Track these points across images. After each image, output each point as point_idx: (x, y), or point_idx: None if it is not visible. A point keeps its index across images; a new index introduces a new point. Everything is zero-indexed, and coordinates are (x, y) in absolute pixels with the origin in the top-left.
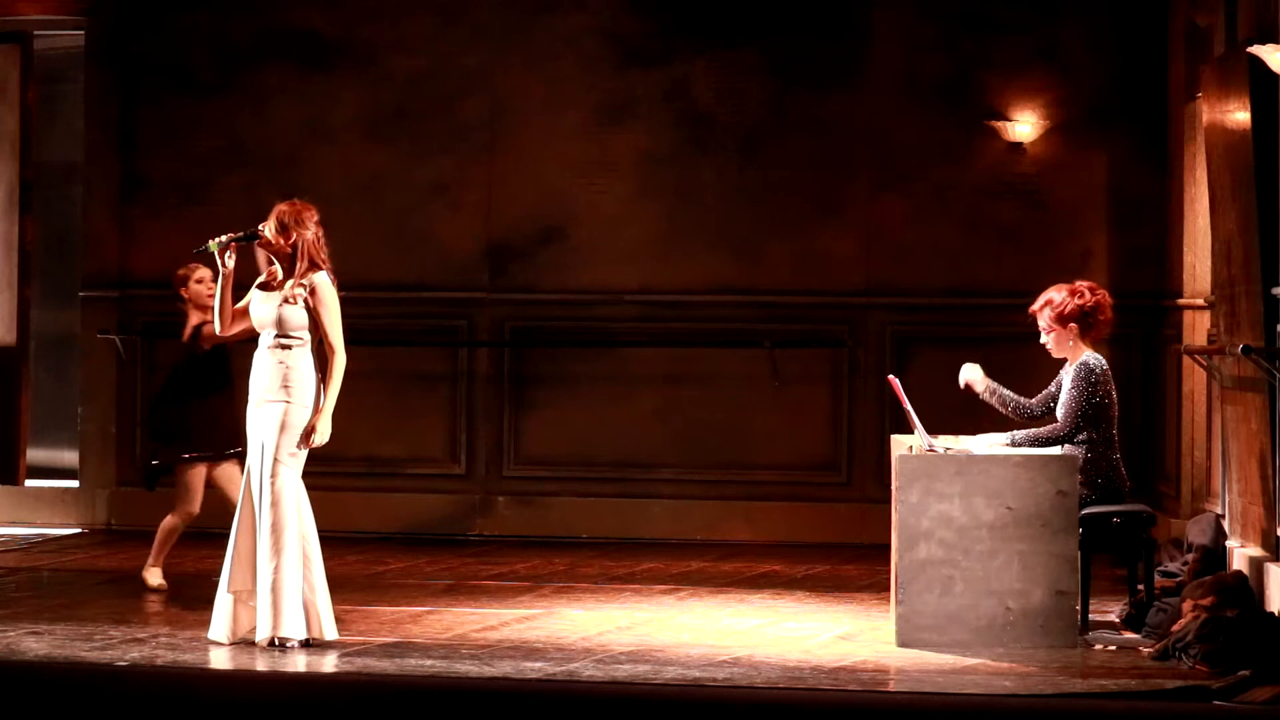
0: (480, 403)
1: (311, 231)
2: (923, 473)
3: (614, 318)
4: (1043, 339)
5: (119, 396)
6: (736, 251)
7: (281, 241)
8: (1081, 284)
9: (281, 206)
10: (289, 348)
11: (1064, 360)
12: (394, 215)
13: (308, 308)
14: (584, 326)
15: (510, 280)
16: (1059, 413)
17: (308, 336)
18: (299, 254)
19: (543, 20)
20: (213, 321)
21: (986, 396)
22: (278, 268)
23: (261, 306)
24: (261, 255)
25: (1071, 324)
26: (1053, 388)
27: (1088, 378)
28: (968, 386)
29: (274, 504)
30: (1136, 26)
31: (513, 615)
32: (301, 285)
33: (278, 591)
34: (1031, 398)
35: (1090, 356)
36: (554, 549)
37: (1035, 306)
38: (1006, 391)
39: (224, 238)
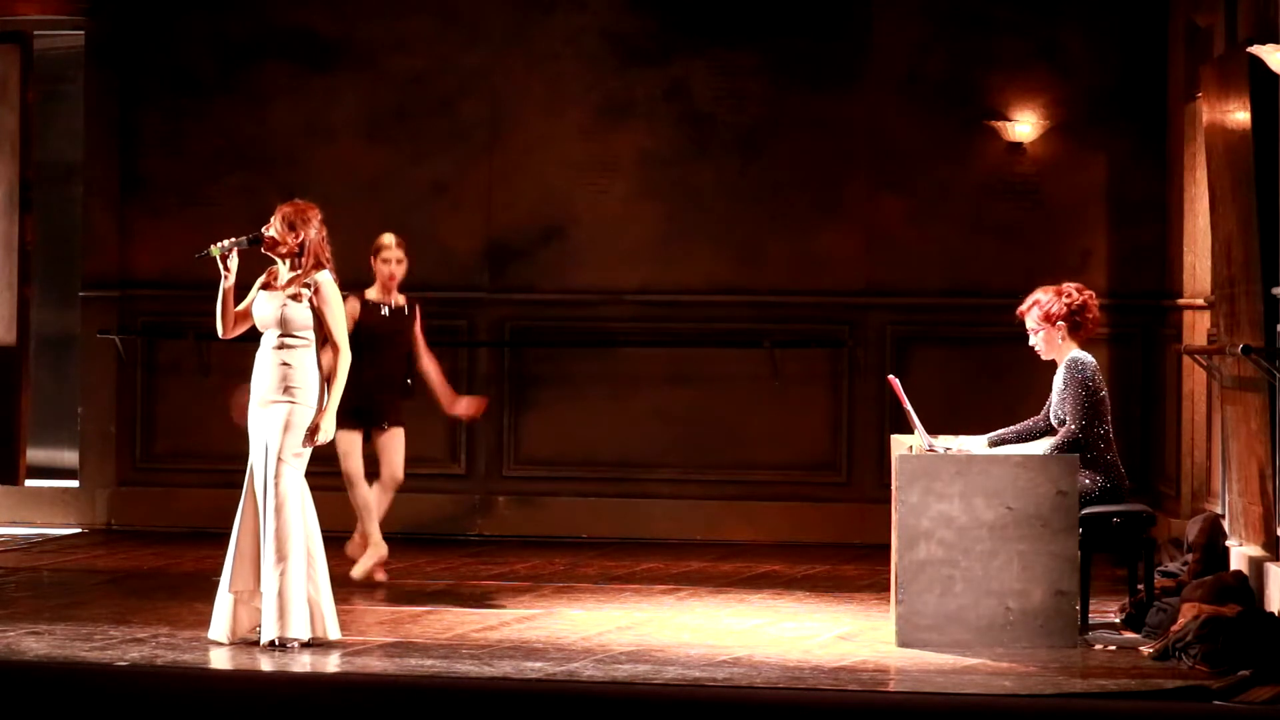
0: None
1: (315, 230)
2: (923, 473)
3: (614, 318)
4: (1031, 340)
5: (119, 396)
6: (736, 251)
7: (291, 241)
8: (1068, 285)
9: (285, 207)
10: (292, 348)
11: (1054, 364)
12: (394, 215)
13: (312, 307)
14: (584, 326)
15: (510, 280)
16: (1064, 412)
17: (311, 336)
18: (305, 253)
19: (543, 20)
20: (218, 321)
21: (1012, 450)
22: (280, 267)
23: (264, 306)
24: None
25: (1059, 323)
26: (1052, 397)
27: (1081, 372)
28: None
29: (279, 506)
30: (1136, 26)
31: (513, 615)
32: (306, 284)
33: (284, 596)
34: (1036, 415)
35: (1079, 354)
36: (554, 549)
37: (1023, 308)
38: (1011, 429)
39: (226, 242)
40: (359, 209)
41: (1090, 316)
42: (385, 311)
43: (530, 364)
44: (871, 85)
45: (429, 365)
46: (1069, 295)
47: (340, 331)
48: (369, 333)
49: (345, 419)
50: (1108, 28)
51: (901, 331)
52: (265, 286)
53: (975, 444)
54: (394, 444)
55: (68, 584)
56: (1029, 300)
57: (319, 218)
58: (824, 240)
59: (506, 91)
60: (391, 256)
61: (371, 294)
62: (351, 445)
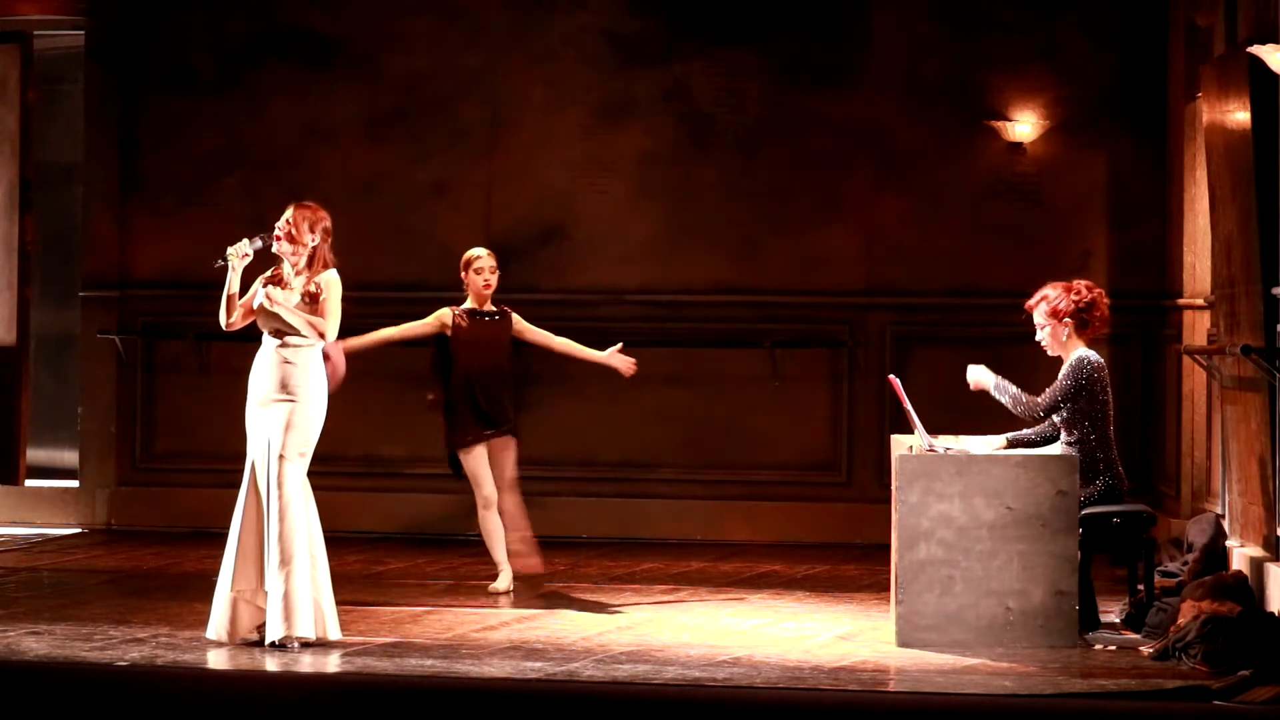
0: None
1: (322, 235)
2: (923, 473)
3: (614, 318)
4: (1038, 336)
5: (119, 396)
6: (736, 251)
7: (306, 242)
8: (1079, 282)
9: (302, 209)
10: (296, 347)
11: (1059, 361)
12: (394, 215)
13: (317, 304)
14: (584, 326)
15: (510, 280)
16: (1044, 392)
17: (315, 336)
18: (316, 255)
19: (543, 20)
20: (221, 313)
21: (997, 395)
22: (286, 266)
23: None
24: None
25: (1066, 319)
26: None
27: (1080, 367)
28: (979, 388)
29: (283, 507)
30: (1136, 26)
31: (513, 615)
32: (315, 284)
33: (290, 596)
34: (1037, 395)
35: (1086, 352)
36: (554, 549)
37: (1031, 302)
38: (1015, 389)
39: (243, 244)
40: (359, 209)
41: (1098, 315)
42: (485, 319)
43: (530, 364)
44: (871, 85)
45: (563, 344)
46: (1078, 292)
47: (332, 324)
48: (472, 343)
49: (469, 433)
50: (1108, 28)
51: (901, 331)
52: (271, 283)
53: (988, 443)
54: (507, 450)
55: (68, 584)
56: (1038, 295)
57: (329, 221)
58: (824, 240)
59: (506, 91)
60: (485, 267)
61: (467, 306)
62: (482, 465)
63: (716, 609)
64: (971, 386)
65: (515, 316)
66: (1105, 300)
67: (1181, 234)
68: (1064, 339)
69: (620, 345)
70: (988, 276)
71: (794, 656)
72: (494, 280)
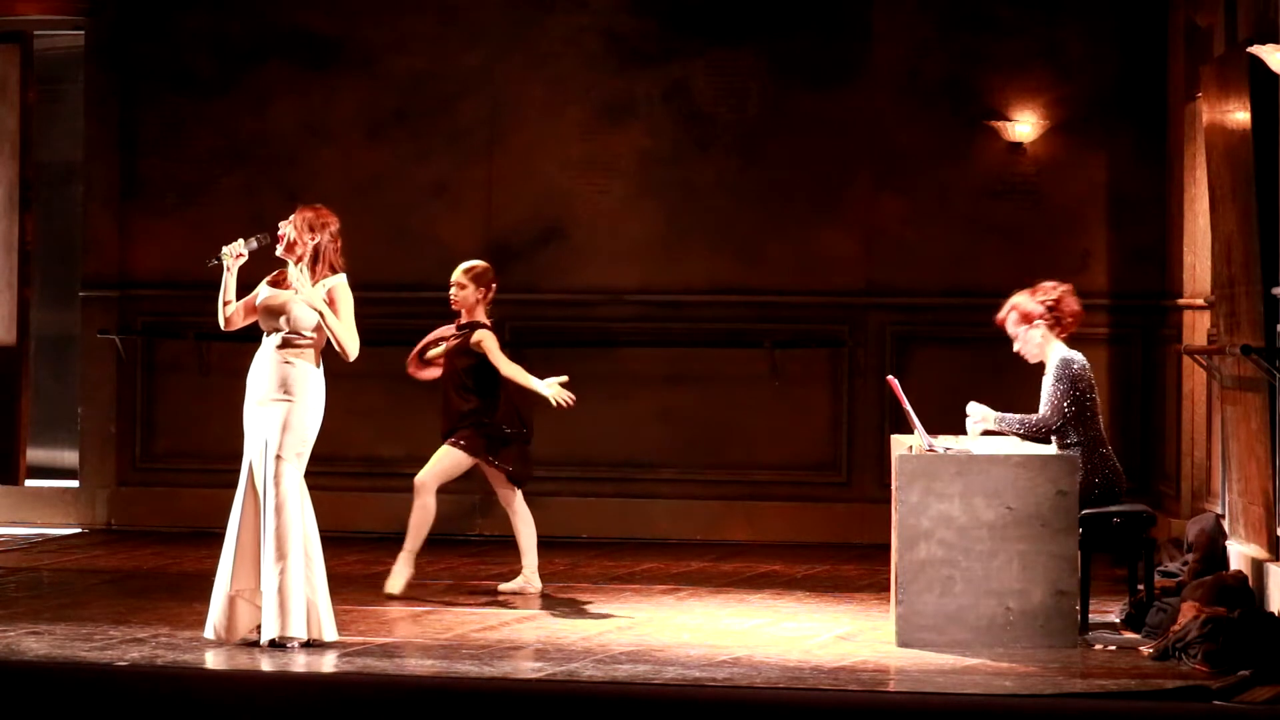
0: None
1: (330, 236)
2: (923, 473)
3: (614, 318)
4: (1015, 346)
5: (119, 396)
6: (736, 251)
7: (308, 243)
8: (1044, 284)
9: (306, 211)
10: (297, 347)
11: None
12: (394, 215)
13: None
14: (584, 326)
15: (510, 280)
16: (1042, 405)
17: (315, 338)
18: (320, 258)
19: (543, 20)
20: (219, 313)
21: (1000, 427)
22: (290, 269)
23: (271, 304)
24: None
25: (1039, 321)
26: (1042, 397)
27: (1068, 369)
28: (983, 428)
29: (279, 506)
30: (1136, 26)
31: (513, 615)
32: (328, 293)
33: (284, 593)
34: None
35: (1069, 353)
36: (554, 549)
37: (1000, 315)
38: (1015, 416)
39: (239, 244)
40: (359, 209)
41: (1068, 310)
42: (458, 332)
43: (530, 364)
44: (871, 85)
45: (508, 370)
46: (1045, 292)
47: (351, 341)
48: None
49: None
50: (1108, 28)
51: (901, 331)
52: (274, 284)
53: (969, 422)
54: (489, 471)
55: (68, 584)
56: (1006, 306)
57: (336, 225)
58: (824, 240)
59: (506, 91)
60: (452, 282)
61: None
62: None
63: (716, 609)
64: (979, 428)
65: (482, 334)
66: (1073, 295)
67: (1181, 234)
68: (1039, 341)
69: (565, 379)
70: (988, 276)
71: (794, 656)
72: (456, 295)
